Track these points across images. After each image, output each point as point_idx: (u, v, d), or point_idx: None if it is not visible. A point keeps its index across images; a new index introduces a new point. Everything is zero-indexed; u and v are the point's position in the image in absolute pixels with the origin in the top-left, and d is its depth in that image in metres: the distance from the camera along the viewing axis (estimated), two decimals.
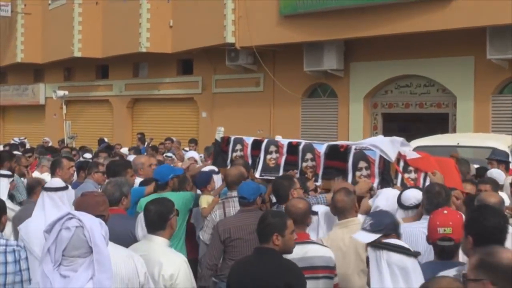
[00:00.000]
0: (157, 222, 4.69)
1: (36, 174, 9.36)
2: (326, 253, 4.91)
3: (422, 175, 6.84)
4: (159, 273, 4.47)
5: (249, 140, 8.09)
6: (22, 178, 9.20)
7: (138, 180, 7.85)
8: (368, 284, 3.63)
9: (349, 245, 5.09)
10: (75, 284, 3.31)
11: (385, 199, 5.91)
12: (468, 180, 7.13)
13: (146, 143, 17.79)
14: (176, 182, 7.04)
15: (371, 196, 6.46)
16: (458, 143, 10.35)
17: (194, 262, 6.40)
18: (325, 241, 5.18)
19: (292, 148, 7.58)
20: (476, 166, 8.71)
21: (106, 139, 19.00)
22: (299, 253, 4.73)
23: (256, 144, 7.96)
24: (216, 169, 7.96)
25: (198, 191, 7.30)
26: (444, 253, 4.18)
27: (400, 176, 6.80)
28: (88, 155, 12.12)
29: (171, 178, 6.93)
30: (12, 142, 17.17)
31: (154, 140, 18.03)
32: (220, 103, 20.76)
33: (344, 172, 6.94)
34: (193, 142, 16.23)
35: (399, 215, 5.63)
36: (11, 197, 8.25)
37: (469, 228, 3.86)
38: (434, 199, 5.13)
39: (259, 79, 19.70)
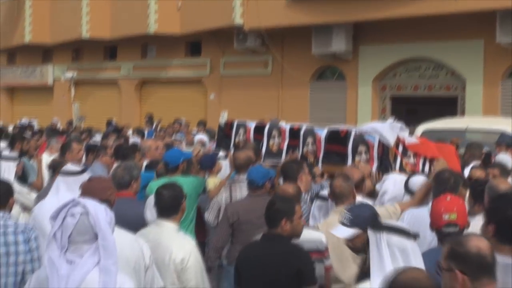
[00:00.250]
0: (172, 207, 4.72)
1: (45, 155, 9.38)
2: (316, 237, 4.90)
3: (421, 160, 6.90)
4: (169, 258, 4.51)
5: (251, 125, 8.19)
6: (31, 160, 9.28)
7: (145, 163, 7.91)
8: (361, 266, 3.64)
9: None
10: (81, 269, 3.34)
11: (393, 184, 5.94)
12: (478, 166, 7.11)
13: (154, 125, 17.83)
14: (186, 166, 7.08)
15: (376, 180, 6.51)
16: (467, 127, 10.32)
17: (201, 245, 6.44)
18: (321, 226, 5.19)
19: (294, 133, 7.67)
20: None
21: (114, 121, 19.05)
22: None
23: (259, 129, 8.04)
24: (223, 154, 8.00)
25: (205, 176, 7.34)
26: (450, 239, 4.17)
27: (398, 160, 6.85)
28: (98, 137, 12.15)
29: (181, 162, 6.96)
30: (19, 123, 17.20)
31: (162, 122, 18.08)
32: (228, 85, 20.74)
33: (344, 156, 7.02)
34: (202, 125, 16.26)
35: (406, 200, 5.67)
36: (20, 179, 8.33)
37: (491, 216, 3.81)
38: (442, 185, 5.12)
39: (267, 61, 19.65)
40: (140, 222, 5.09)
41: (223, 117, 9.02)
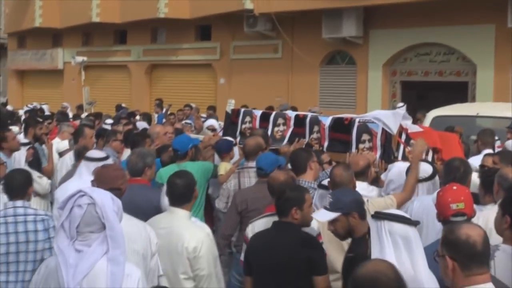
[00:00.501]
0: (186, 195, 4.73)
1: (56, 140, 9.39)
2: None
3: None
4: (182, 246, 4.52)
5: (258, 113, 8.29)
6: (42, 145, 9.30)
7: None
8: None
9: None
10: (89, 258, 3.37)
11: (398, 172, 5.92)
12: (489, 154, 7.08)
13: (164, 109, 17.84)
14: (194, 152, 7.10)
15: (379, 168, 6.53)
16: (477, 113, 10.26)
17: None
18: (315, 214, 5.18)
19: (299, 121, 7.72)
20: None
21: (123, 105, 19.07)
22: None
23: (265, 117, 8.11)
24: (234, 141, 8.02)
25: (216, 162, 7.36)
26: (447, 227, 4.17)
27: (401, 149, 6.86)
28: (109, 121, 12.14)
29: (190, 148, 6.98)
30: (26, 108, 17.15)
31: (172, 106, 18.08)
32: (238, 70, 20.71)
33: (348, 144, 7.05)
34: (212, 109, 16.26)
35: None
36: (32, 164, 8.36)
37: (507, 207, 3.79)
38: (451, 174, 5.12)
39: (277, 45, 19.60)
40: (152, 209, 5.11)
41: (230, 105, 9.03)
